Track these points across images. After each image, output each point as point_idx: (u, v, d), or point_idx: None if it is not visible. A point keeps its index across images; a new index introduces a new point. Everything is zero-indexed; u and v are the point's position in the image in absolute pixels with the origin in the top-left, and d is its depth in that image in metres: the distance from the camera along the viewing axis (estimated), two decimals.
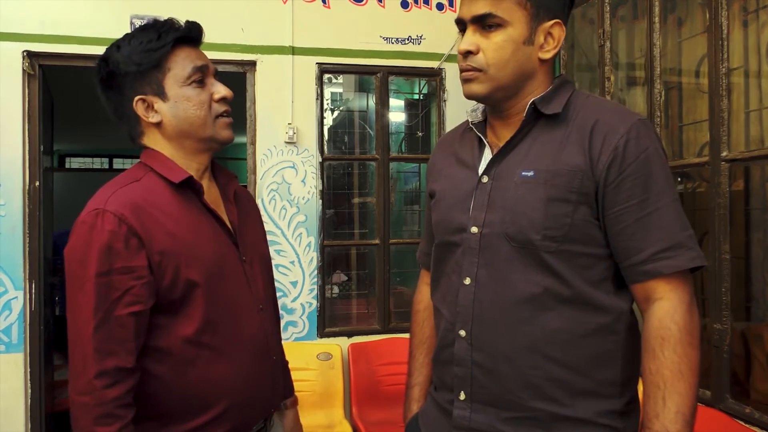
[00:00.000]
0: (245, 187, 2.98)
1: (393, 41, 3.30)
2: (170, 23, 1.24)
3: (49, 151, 3.45)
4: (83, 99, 3.67)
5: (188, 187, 1.23)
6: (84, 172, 8.27)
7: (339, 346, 3.18)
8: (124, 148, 7.11)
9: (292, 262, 3.20)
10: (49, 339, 3.24)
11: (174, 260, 1.16)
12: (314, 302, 3.22)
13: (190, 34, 1.25)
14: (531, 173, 1.10)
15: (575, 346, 1.09)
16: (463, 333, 1.15)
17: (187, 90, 1.22)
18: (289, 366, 1.52)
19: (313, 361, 3.10)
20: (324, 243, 3.27)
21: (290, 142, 3.16)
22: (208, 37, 1.30)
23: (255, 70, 3.15)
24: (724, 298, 2.14)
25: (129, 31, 1.28)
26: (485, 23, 1.11)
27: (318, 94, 3.22)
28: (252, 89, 3.16)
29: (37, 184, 2.92)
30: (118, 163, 9.29)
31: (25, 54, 2.86)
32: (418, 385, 1.40)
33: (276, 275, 1.79)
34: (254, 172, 3.16)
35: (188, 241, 1.19)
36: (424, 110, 3.73)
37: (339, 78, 3.75)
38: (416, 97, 3.82)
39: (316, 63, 3.22)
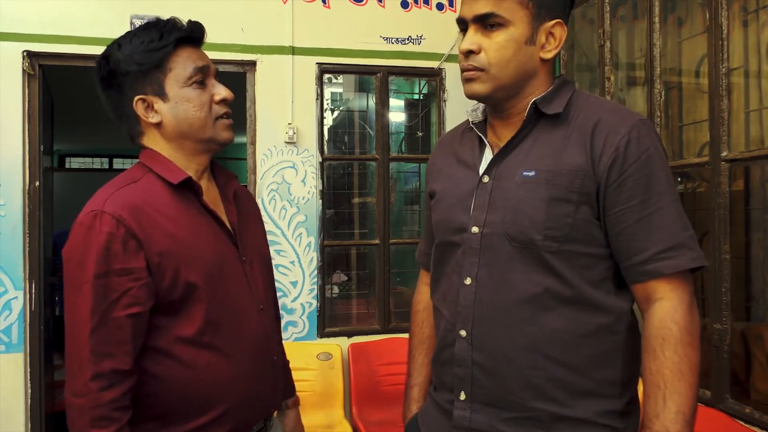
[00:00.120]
0: (245, 186, 2.98)
1: (393, 41, 3.30)
2: (172, 23, 1.23)
3: (49, 151, 3.45)
4: (83, 99, 3.68)
5: (187, 188, 1.23)
6: (84, 172, 8.28)
7: (339, 346, 3.18)
8: (124, 148, 7.10)
9: (292, 262, 3.19)
10: (48, 339, 3.24)
11: (173, 261, 1.15)
12: (314, 302, 3.22)
13: (193, 35, 1.24)
14: (532, 173, 1.10)
15: (576, 346, 1.09)
16: (463, 333, 1.14)
17: (188, 91, 1.21)
18: (290, 366, 1.52)
19: (313, 361, 3.10)
20: (324, 243, 3.27)
21: (290, 142, 3.16)
22: (208, 37, 1.29)
23: (255, 70, 3.15)
24: (724, 298, 2.14)
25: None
26: (487, 23, 1.11)
27: (318, 94, 3.22)
28: (252, 89, 3.16)
29: (37, 184, 2.92)
30: (118, 164, 9.28)
31: (25, 54, 2.86)
32: (417, 385, 1.40)
33: (276, 275, 1.78)
34: (254, 172, 3.16)
35: (187, 241, 1.18)
36: (424, 110, 3.73)
37: (339, 78, 3.75)
38: (416, 97, 3.82)
39: (316, 63, 3.22)
